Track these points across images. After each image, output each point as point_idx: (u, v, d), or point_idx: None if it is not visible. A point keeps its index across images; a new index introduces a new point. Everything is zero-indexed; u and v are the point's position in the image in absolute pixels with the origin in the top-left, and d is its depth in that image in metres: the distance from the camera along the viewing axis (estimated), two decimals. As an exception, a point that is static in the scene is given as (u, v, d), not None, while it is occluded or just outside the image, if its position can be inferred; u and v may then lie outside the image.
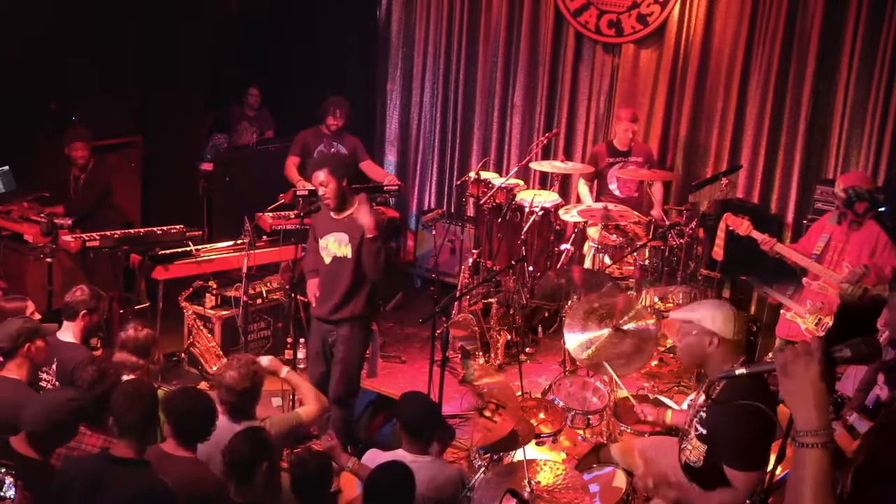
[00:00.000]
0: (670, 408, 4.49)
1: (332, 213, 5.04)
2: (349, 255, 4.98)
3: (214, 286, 6.16)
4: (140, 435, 3.29)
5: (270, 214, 6.49)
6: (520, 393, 5.31)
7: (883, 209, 5.71)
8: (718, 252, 6.04)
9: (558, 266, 6.99)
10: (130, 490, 3.06)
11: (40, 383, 4.35)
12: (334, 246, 5.03)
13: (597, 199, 7.05)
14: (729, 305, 3.62)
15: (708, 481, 3.40)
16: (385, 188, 7.10)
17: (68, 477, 3.28)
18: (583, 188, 7.27)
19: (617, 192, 7.07)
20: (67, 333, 4.43)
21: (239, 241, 6.33)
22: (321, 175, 4.92)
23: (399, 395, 5.82)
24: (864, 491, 2.18)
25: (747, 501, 3.28)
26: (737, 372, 2.33)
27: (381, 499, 3.40)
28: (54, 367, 4.30)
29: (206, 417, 3.52)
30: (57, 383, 4.27)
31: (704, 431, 3.39)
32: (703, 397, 3.55)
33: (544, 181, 7.87)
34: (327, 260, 5.07)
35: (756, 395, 3.11)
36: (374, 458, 3.90)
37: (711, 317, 3.45)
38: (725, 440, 3.29)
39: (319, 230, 5.11)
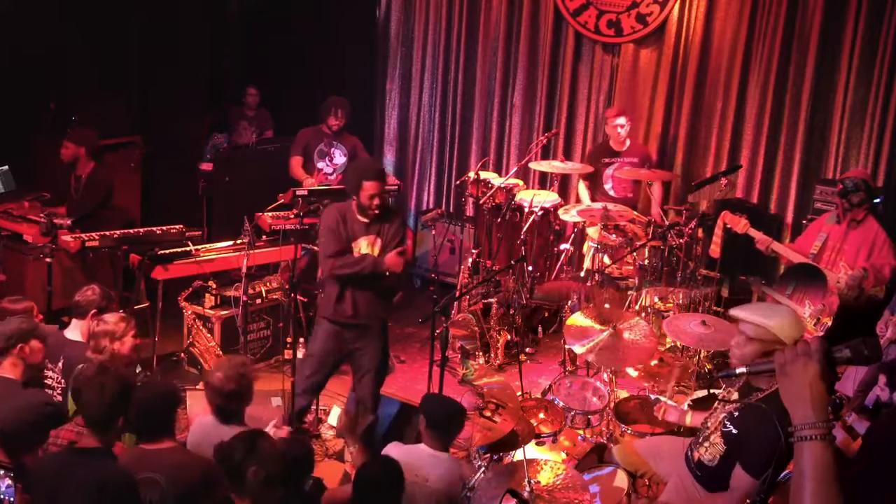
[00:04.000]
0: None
1: (360, 218, 4.95)
2: None
3: (214, 286, 6.16)
4: (103, 425, 3.25)
5: (270, 214, 6.48)
6: (520, 393, 5.31)
7: (878, 200, 5.72)
8: (716, 250, 6.05)
9: (558, 266, 6.99)
10: (87, 479, 3.03)
11: (45, 381, 4.36)
12: (367, 249, 4.97)
13: (593, 200, 7.05)
14: (800, 316, 3.51)
15: (716, 482, 3.38)
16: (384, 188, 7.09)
17: (39, 473, 3.26)
18: (582, 189, 7.27)
19: (612, 193, 7.06)
20: (75, 332, 4.43)
21: (238, 241, 6.32)
22: (375, 187, 4.83)
23: (397, 394, 5.85)
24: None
25: (747, 501, 3.28)
26: (738, 371, 2.33)
27: (370, 492, 3.43)
28: (60, 364, 4.31)
29: (162, 410, 3.51)
30: (62, 381, 4.28)
31: (734, 431, 3.33)
32: (735, 395, 3.51)
33: (544, 181, 7.87)
34: None
35: None
36: (394, 450, 3.98)
37: (789, 326, 3.30)
38: (753, 444, 3.23)
39: (350, 234, 4.95)
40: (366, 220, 4.94)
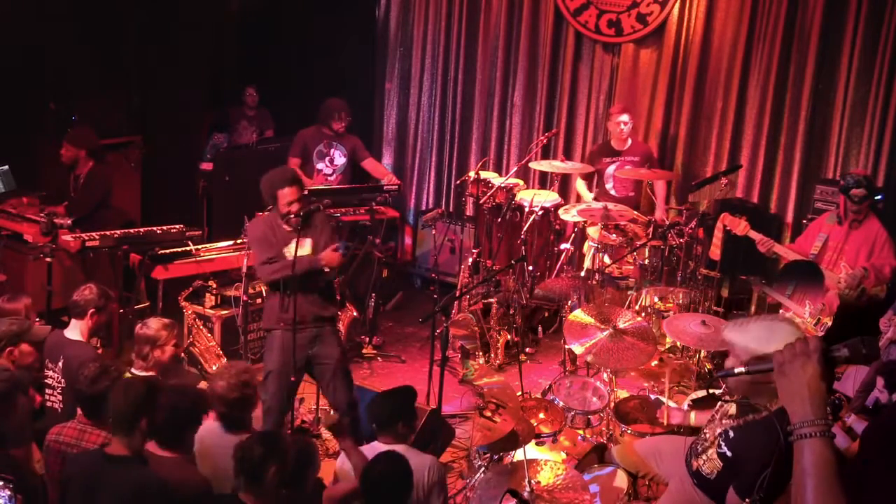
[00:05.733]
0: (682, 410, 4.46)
1: (285, 227, 4.87)
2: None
3: (214, 286, 6.16)
4: (128, 431, 3.26)
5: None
6: (520, 393, 5.31)
7: (879, 197, 5.72)
8: (715, 252, 6.05)
9: (558, 266, 7.00)
10: (122, 489, 3.05)
11: (45, 380, 4.36)
12: (300, 251, 4.84)
13: (595, 198, 7.05)
14: (796, 326, 3.11)
15: (716, 494, 3.37)
16: (384, 187, 7.11)
17: (70, 475, 3.27)
18: (580, 185, 7.27)
19: (613, 192, 7.07)
20: (74, 331, 4.43)
21: (239, 241, 6.32)
22: (291, 193, 4.75)
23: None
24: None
25: (746, 501, 3.27)
26: (736, 371, 2.33)
27: (379, 489, 3.44)
28: (61, 364, 4.31)
29: (186, 419, 3.48)
30: (63, 381, 4.28)
31: (728, 453, 3.29)
32: (733, 408, 3.40)
33: (544, 181, 7.87)
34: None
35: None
36: (383, 451, 3.97)
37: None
38: (748, 469, 3.18)
39: (279, 242, 4.87)
40: (289, 228, 4.85)
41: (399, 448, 3.82)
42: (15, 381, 3.47)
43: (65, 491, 3.26)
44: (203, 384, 6.01)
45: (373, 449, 3.88)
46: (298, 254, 4.78)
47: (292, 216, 4.79)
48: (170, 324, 4.31)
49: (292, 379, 4.92)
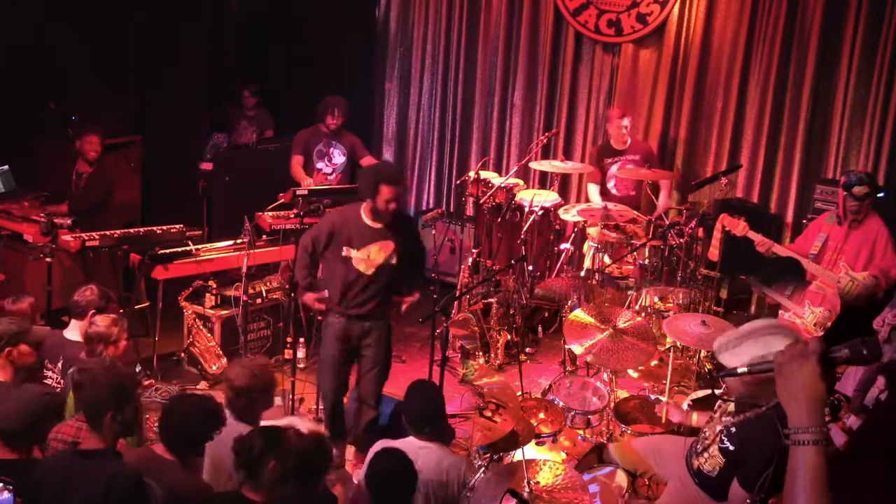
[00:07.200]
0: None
1: (372, 223, 4.88)
2: (394, 262, 4.92)
3: (214, 286, 6.16)
4: (97, 425, 3.22)
5: (270, 214, 6.48)
6: (520, 393, 5.31)
7: (881, 195, 5.72)
8: (714, 252, 6.04)
9: (558, 266, 6.99)
10: (95, 482, 3.03)
11: (45, 381, 4.36)
12: (378, 255, 4.89)
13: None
14: (789, 330, 3.30)
15: (717, 492, 3.37)
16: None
17: (41, 475, 3.25)
18: (592, 190, 7.25)
19: (614, 191, 7.07)
20: (74, 332, 4.43)
21: (239, 241, 6.32)
22: (392, 192, 4.75)
23: (398, 394, 5.84)
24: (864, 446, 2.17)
25: (747, 501, 3.27)
26: (739, 371, 2.33)
27: (385, 485, 3.46)
28: (60, 364, 4.31)
29: (200, 430, 3.45)
30: (62, 381, 4.28)
31: (731, 447, 3.30)
32: (732, 406, 3.44)
33: (544, 181, 7.88)
34: (369, 271, 4.89)
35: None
36: (384, 447, 3.97)
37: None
38: (751, 461, 3.19)
39: (356, 241, 4.88)
40: (379, 225, 4.88)
41: (433, 447, 3.87)
42: (51, 403, 3.47)
43: (38, 494, 3.21)
44: (203, 384, 6.05)
45: (408, 444, 3.88)
46: (377, 257, 4.90)
47: (387, 214, 4.82)
48: (117, 318, 4.27)
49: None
